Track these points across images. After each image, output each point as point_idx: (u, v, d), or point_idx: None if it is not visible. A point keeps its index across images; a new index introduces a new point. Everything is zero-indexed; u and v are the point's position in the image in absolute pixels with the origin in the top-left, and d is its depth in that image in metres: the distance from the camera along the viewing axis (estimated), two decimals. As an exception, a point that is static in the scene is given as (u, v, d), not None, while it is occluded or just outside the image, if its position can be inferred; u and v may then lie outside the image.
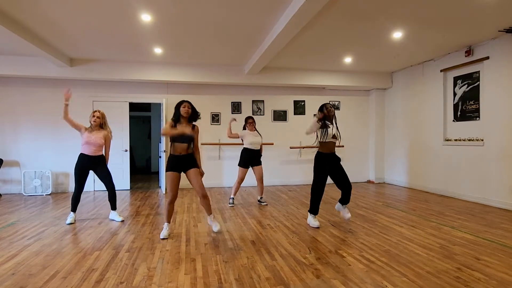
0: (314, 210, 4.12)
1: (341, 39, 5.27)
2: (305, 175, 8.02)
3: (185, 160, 3.64)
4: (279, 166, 7.91)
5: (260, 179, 5.38)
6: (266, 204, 5.41)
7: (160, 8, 4.07)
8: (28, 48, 5.29)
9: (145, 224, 4.27)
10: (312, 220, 4.12)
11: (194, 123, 3.78)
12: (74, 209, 4.36)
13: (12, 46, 5.57)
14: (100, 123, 4.38)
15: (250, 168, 5.53)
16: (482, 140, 5.51)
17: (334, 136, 4.03)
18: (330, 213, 4.83)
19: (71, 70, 6.44)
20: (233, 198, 5.41)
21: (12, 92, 6.78)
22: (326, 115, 4.00)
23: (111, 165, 7.17)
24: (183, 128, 3.62)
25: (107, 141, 4.45)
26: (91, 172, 4.51)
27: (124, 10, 4.13)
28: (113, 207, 4.49)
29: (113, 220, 4.44)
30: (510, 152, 5.04)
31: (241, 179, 5.33)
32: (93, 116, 4.35)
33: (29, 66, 6.24)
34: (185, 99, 3.72)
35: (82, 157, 4.29)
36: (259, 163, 5.37)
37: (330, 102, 8.22)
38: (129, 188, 7.30)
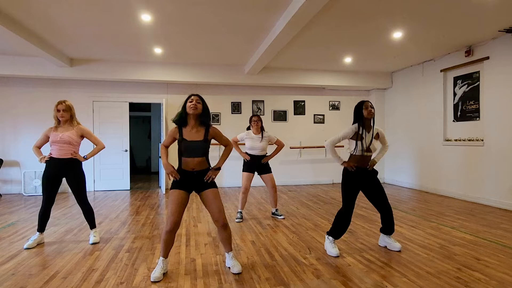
0: (334, 232, 3.18)
1: (341, 39, 5.27)
2: (305, 175, 8.03)
3: (200, 178, 2.69)
4: (279, 166, 7.90)
5: (273, 188, 4.53)
6: (284, 218, 4.55)
7: (160, 8, 4.06)
8: (28, 48, 5.29)
9: (145, 224, 4.27)
10: (329, 246, 3.17)
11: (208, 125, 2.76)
12: (41, 228, 3.43)
13: (12, 46, 5.57)
14: (69, 117, 3.41)
15: (258, 176, 5.04)
16: (482, 140, 5.50)
17: (368, 149, 3.10)
18: (330, 213, 4.83)
19: (71, 70, 6.44)
20: (240, 212, 4.52)
21: (12, 92, 6.77)
22: (365, 117, 3.08)
23: (111, 165, 7.27)
24: (190, 133, 2.66)
25: (87, 136, 3.48)
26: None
27: (124, 10, 4.12)
28: (91, 225, 3.58)
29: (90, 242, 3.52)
30: (510, 152, 5.03)
31: (245, 188, 4.45)
32: (58, 110, 3.34)
33: (29, 66, 6.23)
34: (194, 93, 2.74)
35: (49, 161, 3.36)
36: (268, 170, 4.54)
37: (330, 102, 8.23)
38: (129, 188, 7.30)
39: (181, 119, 2.70)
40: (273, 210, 4.66)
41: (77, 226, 4.14)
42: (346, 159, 3.23)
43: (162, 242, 2.63)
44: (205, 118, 2.71)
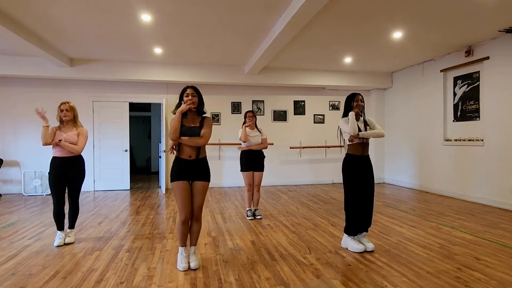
0: (350, 229, 3.24)
1: (341, 39, 5.27)
2: (305, 175, 8.03)
3: (196, 167, 2.79)
4: (279, 166, 7.91)
5: (257, 186, 4.62)
6: (261, 218, 4.59)
7: (160, 8, 4.06)
8: (28, 48, 5.29)
9: (145, 224, 4.27)
10: (351, 243, 3.22)
11: (204, 115, 2.91)
12: (60, 227, 3.48)
13: (12, 46, 5.57)
14: (73, 117, 3.53)
15: None
16: (482, 140, 5.50)
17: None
18: (330, 213, 4.83)
19: (71, 70, 6.44)
20: (250, 210, 4.65)
21: (12, 92, 6.77)
22: (354, 109, 3.26)
23: (111, 165, 7.26)
24: (188, 121, 2.81)
25: (79, 134, 3.50)
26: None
27: (124, 10, 4.12)
28: (70, 225, 3.61)
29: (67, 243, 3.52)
30: (510, 152, 5.03)
31: (249, 185, 4.57)
32: (61, 110, 3.47)
33: (29, 66, 6.23)
34: (189, 85, 2.86)
35: (54, 161, 3.43)
36: (261, 168, 4.63)
37: (330, 102, 8.24)
38: (129, 188, 7.30)
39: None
40: (253, 209, 4.68)
41: (77, 226, 4.13)
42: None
43: (179, 233, 2.81)
44: (200, 107, 2.85)
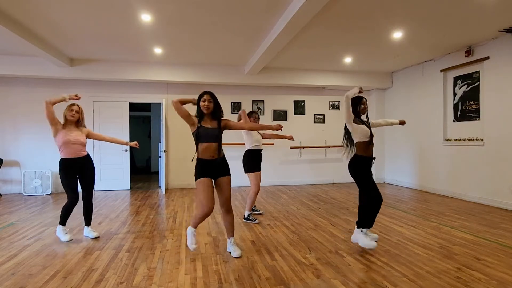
0: (365, 221, 3.23)
1: (341, 39, 5.27)
2: (305, 175, 8.03)
3: (218, 165, 3.02)
4: (279, 166, 7.91)
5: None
6: (262, 213, 4.80)
7: (160, 8, 4.06)
8: (28, 48, 5.29)
9: (145, 224, 4.27)
10: (363, 238, 3.17)
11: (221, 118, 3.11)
12: (64, 221, 3.61)
13: (12, 46, 5.57)
14: (78, 120, 3.61)
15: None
16: (482, 140, 5.51)
17: (371, 135, 3.28)
18: (330, 213, 4.83)
19: (71, 70, 6.44)
20: (253, 213, 4.61)
21: (12, 92, 6.77)
22: (360, 112, 3.36)
23: (111, 165, 7.26)
24: (206, 123, 3.01)
25: (91, 135, 3.77)
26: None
27: (124, 10, 4.12)
28: (88, 222, 3.74)
29: (87, 236, 3.72)
30: (510, 152, 5.03)
31: (259, 185, 4.38)
32: (71, 110, 3.52)
33: (29, 66, 6.23)
34: (207, 91, 3.05)
35: (66, 162, 3.50)
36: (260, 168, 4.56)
37: (330, 102, 8.25)
38: (129, 188, 7.30)
39: (200, 115, 3.04)
40: (252, 207, 4.61)
41: (77, 226, 4.14)
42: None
43: (198, 219, 2.98)
44: (217, 113, 3.05)
